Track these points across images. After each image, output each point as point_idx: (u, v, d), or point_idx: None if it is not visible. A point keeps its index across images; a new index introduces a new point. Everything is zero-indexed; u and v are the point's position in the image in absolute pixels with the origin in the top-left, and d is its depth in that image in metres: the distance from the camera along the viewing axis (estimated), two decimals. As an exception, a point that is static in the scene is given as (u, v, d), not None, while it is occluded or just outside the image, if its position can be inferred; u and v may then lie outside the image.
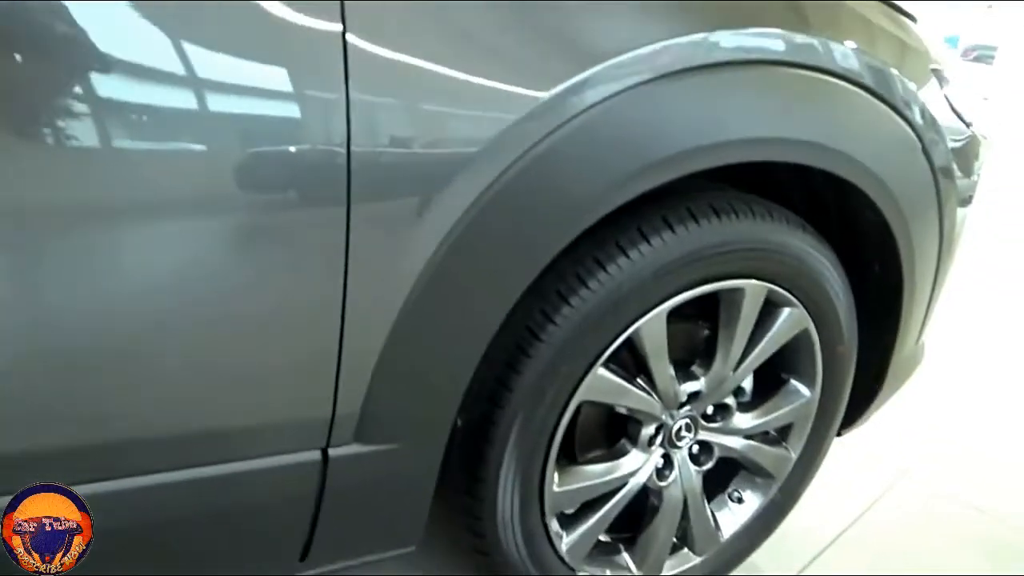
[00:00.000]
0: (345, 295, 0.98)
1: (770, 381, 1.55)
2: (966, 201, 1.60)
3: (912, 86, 1.39)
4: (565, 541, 1.38)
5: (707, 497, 1.58)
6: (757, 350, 1.42)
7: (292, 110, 0.90)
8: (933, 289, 1.63)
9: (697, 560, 1.56)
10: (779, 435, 1.60)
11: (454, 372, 1.11)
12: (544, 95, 1.00)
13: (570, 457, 1.41)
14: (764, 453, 1.55)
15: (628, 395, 1.31)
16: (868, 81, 1.31)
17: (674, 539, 1.54)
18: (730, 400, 1.47)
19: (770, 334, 1.42)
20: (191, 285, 0.91)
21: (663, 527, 1.49)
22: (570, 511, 1.40)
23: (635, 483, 1.40)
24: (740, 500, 1.61)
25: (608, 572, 1.47)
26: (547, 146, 1.02)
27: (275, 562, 1.13)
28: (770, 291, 1.37)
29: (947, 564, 1.89)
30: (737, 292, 1.34)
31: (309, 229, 0.94)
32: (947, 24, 13.69)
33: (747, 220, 1.29)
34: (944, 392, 2.77)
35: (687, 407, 1.41)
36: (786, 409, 1.53)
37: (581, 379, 1.24)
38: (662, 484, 1.45)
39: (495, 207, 1.01)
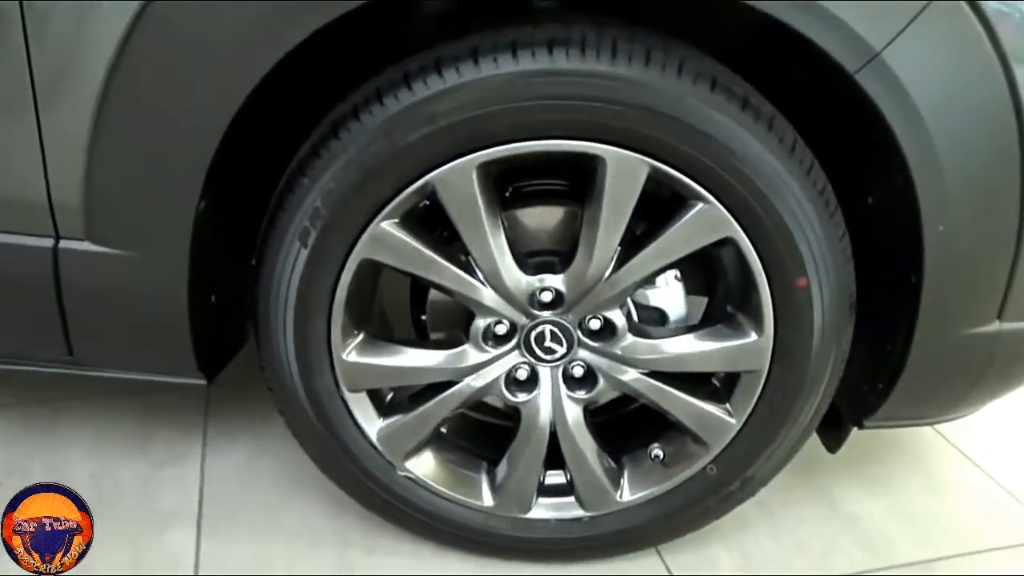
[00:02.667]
0: (32, 75, 0.96)
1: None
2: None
3: None
4: (378, 426, 1.20)
5: (620, 446, 1.28)
6: (647, 251, 1.07)
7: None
8: (1017, 251, 1.07)
9: (583, 514, 1.26)
10: (723, 390, 1.21)
11: (174, 179, 1.01)
12: None
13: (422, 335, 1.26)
14: (681, 404, 1.17)
15: (431, 265, 1.08)
16: None
17: (564, 481, 1.27)
18: (617, 316, 1.13)
19: (667, 233, 1.05)
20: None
21: (523, 456, 1.22)
22: (392, 396, 1.23)
23: (469, 386, 1.16)
24: (663, 463, 1.25)
25: (454, 492, 1.24)
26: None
27: (45, 347, 1.17)
28: (655, 171, 1.01)
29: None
30: (596, 162, 1.01)
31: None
32: None
33: (599, 63, 0.95)
34: None
35: (551, 311, 1.13)
36: (710, 348, 1.14)
37: (362, 231, 1.06)
38: (518, 399, 1.18)
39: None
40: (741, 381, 1.17)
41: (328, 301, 1.10)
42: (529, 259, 1.14)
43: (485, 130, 0.99)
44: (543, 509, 1.27)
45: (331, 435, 1.20)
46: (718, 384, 1.21)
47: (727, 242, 1.07)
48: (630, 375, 1.16)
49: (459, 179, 1.02)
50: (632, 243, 1.09)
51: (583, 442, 1.21)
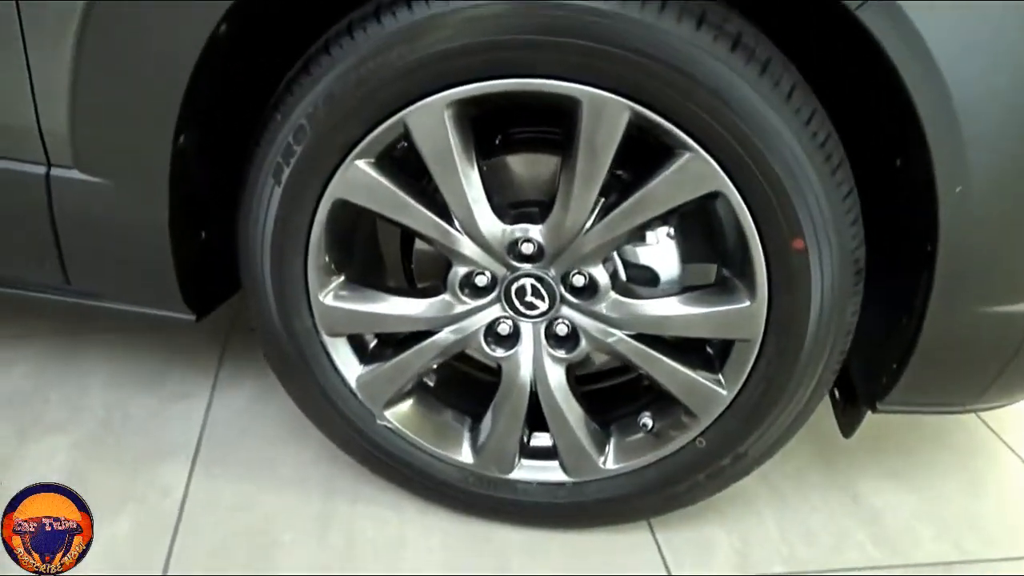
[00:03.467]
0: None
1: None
2: None
3: None
4: (357, 372, 1.19)
5: (609, 413, 1.22)
6: (628, 203, 1.00)
7: None
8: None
9: (566, 479, 1.21)
10: (716, 360, 1.13)
11: (150, 106, 1.01)
12: None
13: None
14: (668, 371, 1.11)
15: (405, 209, 1.05)
16: None
17: (550, 444, 1.22)
18: (600, 273, 1.07)
19: (650, 185, 0.98)
20: None
21: (503, 412, 1.18)
22: (374, 344, 1.21)
23: (447, 337, 1.13)
24: (653, 433, 1.18)
25: (434, 445, 1.22)
26: None
27: (44, 275, 1.20)
28: (637, 116, 0.94)
29: None
30: (573, 104, 0.95)
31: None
32: None
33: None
34: None
35: (532, 264, 1.08)
36: (694, 312, 1.07)
37: (335, 169, 1.03)
38: (497, 354, 1.15)
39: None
40: (734, 351, 1.09)
41: (303, 241, 1.09)
42: (513, 209, 1.10)
43: (455, 66, 0.94)
44: (527, 471, 1.23)
45: (311, 379, 1.19)
46: (711, 353, 1.14)
47: (717, 197, 0.99)
48: (614, 336, 1.10)
49: (431, 118, 0.98)
50: (620, 196, 1.04)
51: (565, 403, 1.16)
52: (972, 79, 0.88)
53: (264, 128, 1.05)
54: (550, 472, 1.23)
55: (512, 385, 1.17)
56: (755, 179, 0.96)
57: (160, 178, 1.06)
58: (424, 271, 1.22)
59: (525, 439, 1.23)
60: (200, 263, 1.20)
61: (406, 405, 1.23)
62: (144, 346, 1.65)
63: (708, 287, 1.09)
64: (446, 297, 1.12)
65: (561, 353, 1.14)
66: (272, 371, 1.23)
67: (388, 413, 1.21)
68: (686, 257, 1.13)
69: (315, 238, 1.08)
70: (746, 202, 0.97)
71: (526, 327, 1.13)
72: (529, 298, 1.10)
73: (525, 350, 1.14)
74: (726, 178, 0.96)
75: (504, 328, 1.14)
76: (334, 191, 1.05)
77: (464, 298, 1.12)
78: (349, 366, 1.19)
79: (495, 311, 1.13)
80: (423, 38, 0.94)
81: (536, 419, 1.21)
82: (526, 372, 1.15)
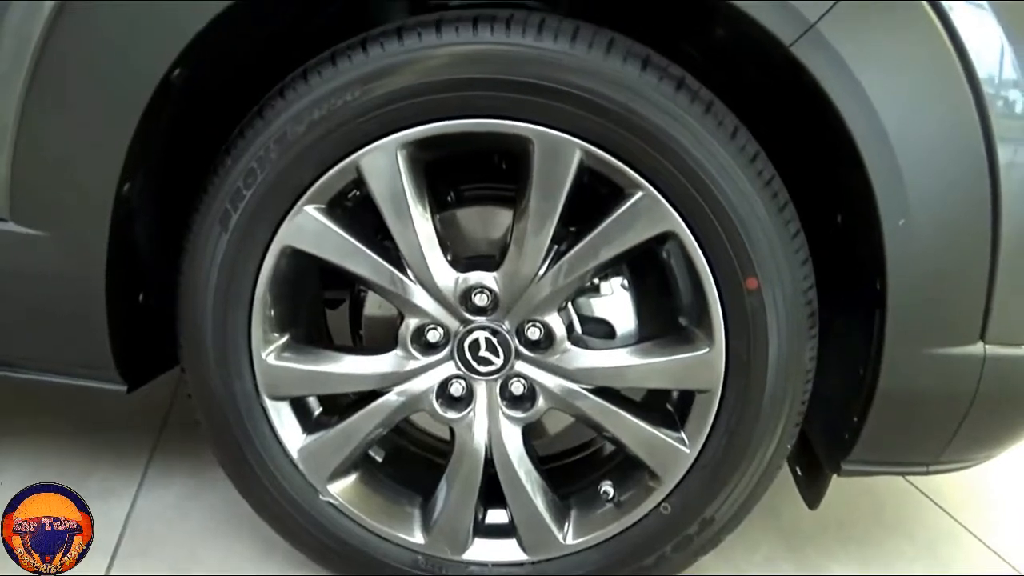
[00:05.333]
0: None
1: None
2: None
3: None
4: (300, 442, 1.11)
5: (568, 485, 1.16)
6: (582, 246, 1.00)
7: None
8: (994, 260, 0.97)
9: (524, 557, 1.12)
10: (678, 415, 1.09)
11: (95, 149, 0.99)
12: None
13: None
14: (630, 428, 1.06)
15: (356, 256, 1.03)
16: None
17: (506, 521, 1.14)
18: (555, 323, 1.05)
19: (603, 225, 0.99)
20: None
21: (455, 484, 1.11)
22: (320, 411, 1.14)
23: (397, 398, 1.08)
24: (615, 503, 1.11)
25: (381, 524, 1.13)
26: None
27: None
28: (588, 154, 0.96)
29: None
30: (526, 145, 0.97)
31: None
32: None
33: (524, 38, 0.92)
34: None
35: (486, 316, 1.05)
36: (651, 361, 1.05)
37: (285, 215, 1.02)
38: (450, 416, 1.09)
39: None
40: (694, 405, 1.06)
41: (249, 292, 1.05)
42: (466, 260, 1.09)
43: (410, 107, 0.96)
44: (481, 550, 1.14)
45: (250, 449, 1.11)
46: (672, 410, 1.11)
47: (670, 239, 1.00)
48: (572, 392, 1.06)
49: (384, 160, 0.98)
50: (573, 243, 1.04)
51: (522, 469, 1.09)
52: (903, 110, 0.93)
53: (213, 173, 1.04)
54: (506, 551, 1.14)
55: (465, 451, 1.10)
56: (705, 217, 0.97)
57: (100, 230, 1.03)
58: (375, 337, 1.17)
59: (479, 515, 1.15)
60: (136, 328, 1.14)
61: (351, 479, 1.14)
62: (69, 444, 1.53)
63: (665, 337, 1.08)
64: (397, 353, 1.08)
65: (518, 413, 1.09)
66: (207, 440, 1.14)
67: (332, 488, 1.13)
68: (641, 308, 1.12)
69: (261, 290, 1.05)
70: (698, 241, 0.98)
71: (480, 387, 1.09)
72: (483, 353, 1.07)
73: (479, 411, 1.09)
74: (677, 217, 0.98)
75: (457, 388, 1.09)
76: (283, 238, 1.03)
77: (415, 354, 1.08)
78: (292, 435, 1.11)
79: (448, 369, 1.08)
80: (377, 80, 0.96)
81: (491, 495, 1.14)
82: (480, 436, 1.10)
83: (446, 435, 1.19)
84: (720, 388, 1.03)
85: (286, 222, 1.02)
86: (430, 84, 0.95)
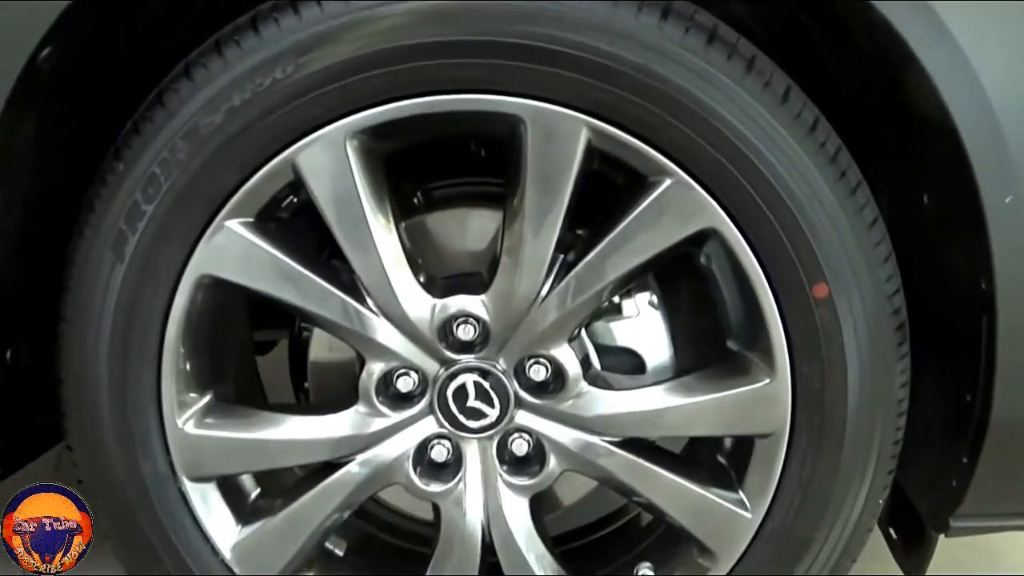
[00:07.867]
0: None
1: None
2: None
3: None
4: (234, 536, 0.89)
5: (593, 571, 0.95)
6: (595, 255, 0.80)
7: None
8: None
9: (538, 675, 0.90)
10: (732, 469, 0.89)
11: None
12: None
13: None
14: (670, 490, 0.86)
15: (297, 282, 0.81)
16: None
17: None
18: (566, 357, 0.84)
19: (621, 226, 0.79)
20: None
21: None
22: (257, 494, 0.92)
23: (360, 469, 0.86)
24: (655, 588, 0.91)
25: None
26: None
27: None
28: (597, 133, 0.76)
29: None
30: (515, 126, 0.77)
31: None
32: None
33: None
34: None
35: (474, 353, 0.85)
36: (699, 401, 0.85)
37: (200, 235, 0.81)
38: (432, 490, 0.87)
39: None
40: (755, 455, 0.86)
41: (156, 340, 0.83)
42: (444, 281, 0.88)
43: (360, 84, 0.76)
44: (480, 669, 0.92)
45: (167, 549, 0.88)
46: (724, 463, 0.90)
47: (710, 238, 0.81)
48: (592, 447, 0.85)
49: (329, 155, 0.78)
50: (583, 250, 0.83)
51: (531, 553, 0.87)
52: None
53: (101, 184, 0.82)
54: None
55: (455, 535, 0.88)
56: (754, 206, 0.78)
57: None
58: (326, 390, 0.97)
59: (477, 618, 0.93)
60: (4, 396, 0.91)
61: (304, 583, 0.92)
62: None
63: (711, 367, 0.87)
64: (358, 409, 0.86)
65: (522, 480, 0.88)
66: (108, 540, 0.93)
67: (287, 594, 0.90)
68: (677, 331, 0.92)
69: (172, 336, 0.83)
70: (746, 239, 0.79)
71: (471, 448, 0.87)
72: (473, 403, 0.86)
73: (472, 480, 0.88)
74: (718, 208, 0.78)
75: (440, 452, 0.87)
76: (199, 265, 0.82)
77: (382, 409, 0.86)
78: (222, 527, 0.89)
79: (427, 426, 0.87)
80: (315, 50, 0.76)
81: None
82: (474, 514, 0.88)
83: (429, 515, 0.96)
84: (787, 430, 0.84)
85: (202, 243, 0.81)
86: (385, 52, 0.76)
